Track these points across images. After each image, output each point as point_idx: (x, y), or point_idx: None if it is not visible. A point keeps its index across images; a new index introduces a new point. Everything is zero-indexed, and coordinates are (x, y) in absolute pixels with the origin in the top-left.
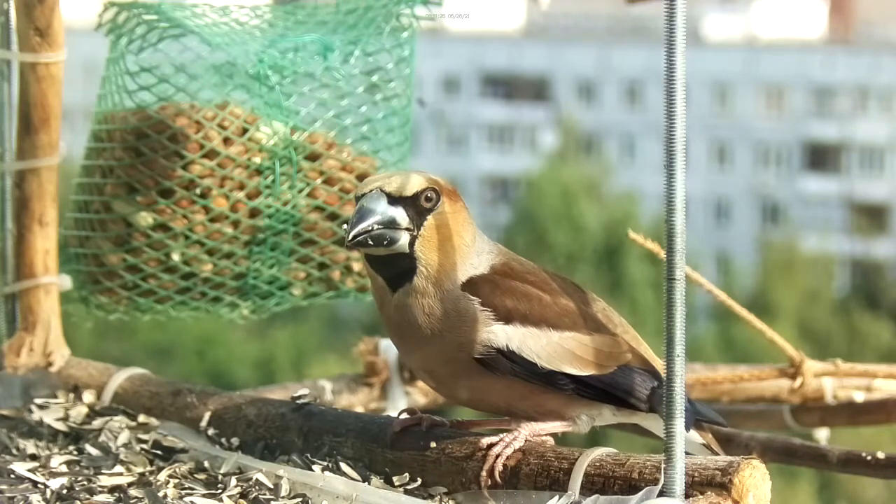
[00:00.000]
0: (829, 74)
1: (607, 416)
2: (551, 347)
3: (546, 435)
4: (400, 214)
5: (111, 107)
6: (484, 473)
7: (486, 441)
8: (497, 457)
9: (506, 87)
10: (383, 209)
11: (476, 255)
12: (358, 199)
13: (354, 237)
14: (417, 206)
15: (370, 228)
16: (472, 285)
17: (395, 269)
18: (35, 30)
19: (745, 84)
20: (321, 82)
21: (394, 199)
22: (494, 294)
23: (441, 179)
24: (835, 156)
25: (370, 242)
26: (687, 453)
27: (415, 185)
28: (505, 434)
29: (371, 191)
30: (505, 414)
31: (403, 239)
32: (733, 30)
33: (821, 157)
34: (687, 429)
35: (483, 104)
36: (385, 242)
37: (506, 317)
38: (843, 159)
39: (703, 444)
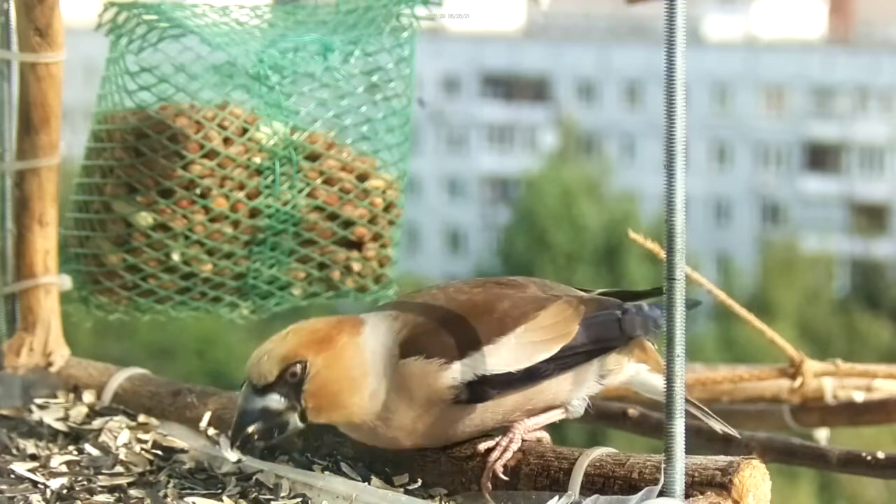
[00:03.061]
0: (829, 74)
1: (594, 386)
2: (514, 351)
3: (541, 427)
4: (274, 401)
5: (111, 107)
6: (484, 480)
7: (482, 446)
8: (496, 461)
9: (506, 87)
10: (252, 405)
11: (372, 377)
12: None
13: (241, 445)
14: (288, 384)
15: (251, 433)
16: (407, 350)
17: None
18: (35, 30)
19: (745, 84)
20: (321, 82)
21: (260, 390)
22: (429, 345)
23: (308, 331)
24: (835, 156)
25: (260, 443)
26: (687, 455)
27: (273, 369)
28: (500, 437)
29: (244, 383)
30: (503, 427)
31: (293, 420)
32: (733, 30)
33: (821, 157)
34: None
35: (483, 104)
36: (276, 433)
37: (457, 354)
38: (843, 159)
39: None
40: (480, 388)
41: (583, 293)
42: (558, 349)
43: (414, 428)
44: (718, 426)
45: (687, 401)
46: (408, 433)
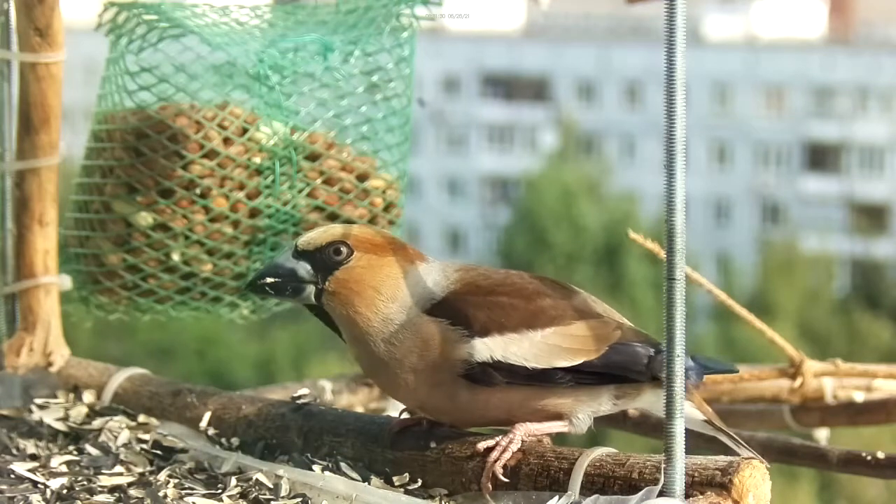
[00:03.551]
0: (829, 74)
1: (608, 405)
2: (536, 348)
3: (542, 435)
4: (303, 268)
5: (111, 107)
6: (484, 480)
7: (482, 445)
8: (495, 461)
9: (506, 87)
10: (284, 261)
11: (397, 305)
12: None
13: (250, 283)
14: (324, 259)
15: (265, 279)
16: (437, 309)
17: (330, 322)
18: (35, 30)
19: (745, 84)
20: (321, 82)
21: (299, 253)
22: (462, 312)
23: (371, 233)
24: (835, 156)
25: (269, 290)
26: (687, 455)
27: (322, 239)
28: (500, 437)
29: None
30: (507, 424)
31: (308, 291)
32: (733, 30)
33: (821, 157)
34: (697, 385)
35: (483, 104)
36: (287, 292)
37: (482, 330)
38: (843, 159)
39: (705, 421)
40: (490, 372)
41: (626, 321)
42: (579, 362)
43: (411, 376)
44: (748, 455)
45: (718, 428)
46: (402, 381)
